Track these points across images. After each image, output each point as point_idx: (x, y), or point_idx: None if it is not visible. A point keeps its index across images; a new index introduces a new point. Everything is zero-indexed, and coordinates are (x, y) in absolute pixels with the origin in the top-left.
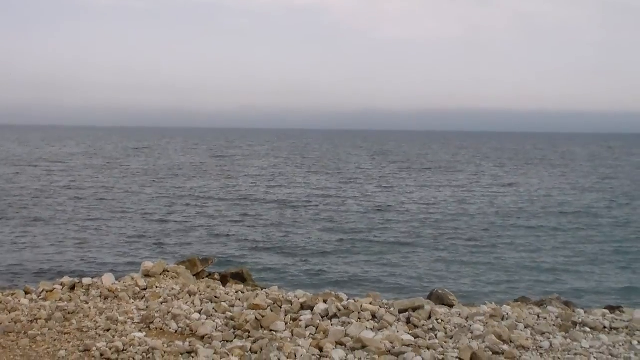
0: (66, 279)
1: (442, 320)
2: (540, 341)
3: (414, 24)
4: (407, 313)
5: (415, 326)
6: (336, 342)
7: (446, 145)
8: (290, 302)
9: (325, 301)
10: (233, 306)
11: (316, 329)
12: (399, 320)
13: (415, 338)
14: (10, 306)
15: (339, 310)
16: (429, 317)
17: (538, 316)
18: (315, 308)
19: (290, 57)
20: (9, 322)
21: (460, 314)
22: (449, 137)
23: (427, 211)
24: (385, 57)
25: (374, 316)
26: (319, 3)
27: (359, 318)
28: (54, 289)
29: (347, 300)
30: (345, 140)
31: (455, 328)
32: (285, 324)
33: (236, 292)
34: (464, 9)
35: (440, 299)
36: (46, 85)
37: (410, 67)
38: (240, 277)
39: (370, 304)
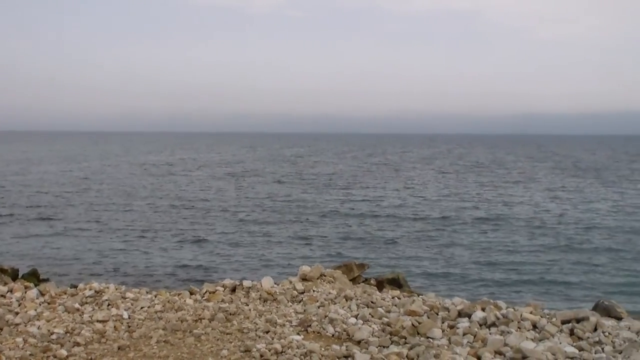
0: (227, 281)
1: (609, 334)
2: None
3: None
4: (570, 324)
5: (580, 338)
6: (495, 352)
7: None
8: (447, 309)
9: (483, 309)
10: (389, 312)
11: (474, 337)
12: (561, 331)
13: (579, 351)
14: (177, 305)
15: (498, 318)
16: (595, 329)
17: None
18: (472, 316)
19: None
20: (176, 321)
21: (630, 328)
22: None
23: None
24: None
25: (534, 326)
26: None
27: (518, 327)
28: (216, 290)
29: (506, 308)
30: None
31: (624, 342)
32: (442, 331)
33: (392, 297)
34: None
35: (606, 311)
36: None
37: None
38: (396, 283)
39: (531, 313)
